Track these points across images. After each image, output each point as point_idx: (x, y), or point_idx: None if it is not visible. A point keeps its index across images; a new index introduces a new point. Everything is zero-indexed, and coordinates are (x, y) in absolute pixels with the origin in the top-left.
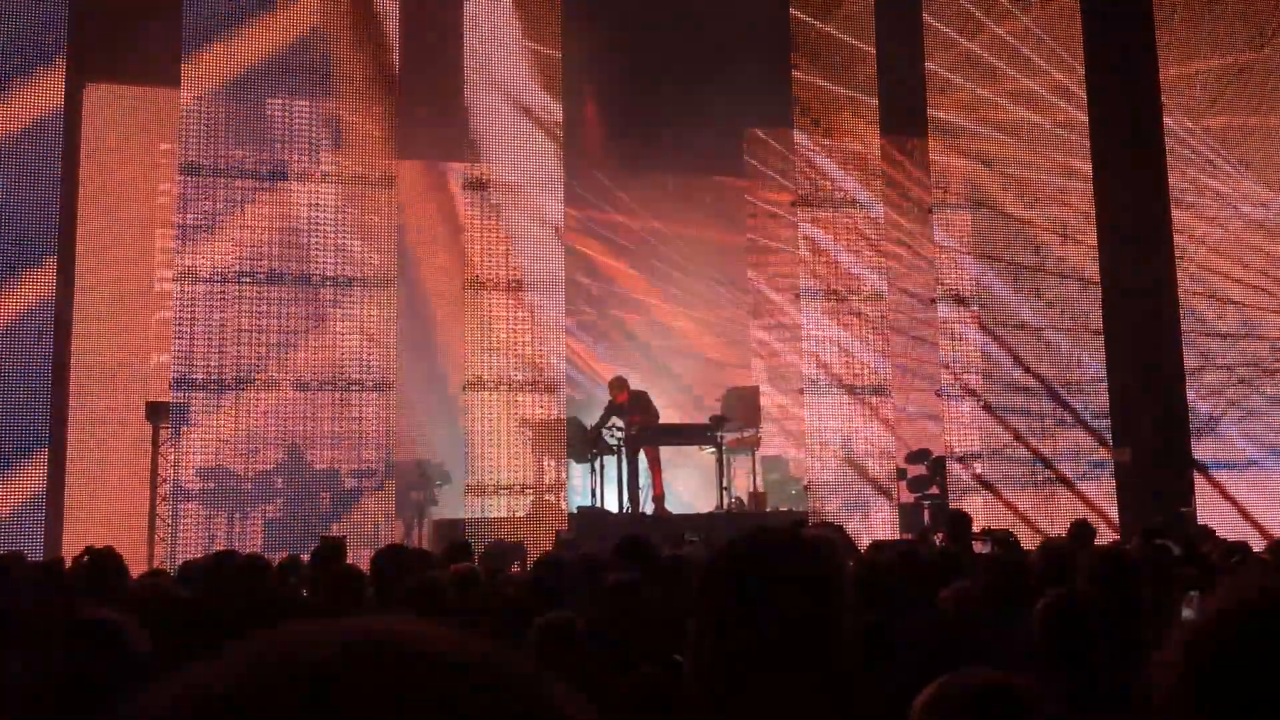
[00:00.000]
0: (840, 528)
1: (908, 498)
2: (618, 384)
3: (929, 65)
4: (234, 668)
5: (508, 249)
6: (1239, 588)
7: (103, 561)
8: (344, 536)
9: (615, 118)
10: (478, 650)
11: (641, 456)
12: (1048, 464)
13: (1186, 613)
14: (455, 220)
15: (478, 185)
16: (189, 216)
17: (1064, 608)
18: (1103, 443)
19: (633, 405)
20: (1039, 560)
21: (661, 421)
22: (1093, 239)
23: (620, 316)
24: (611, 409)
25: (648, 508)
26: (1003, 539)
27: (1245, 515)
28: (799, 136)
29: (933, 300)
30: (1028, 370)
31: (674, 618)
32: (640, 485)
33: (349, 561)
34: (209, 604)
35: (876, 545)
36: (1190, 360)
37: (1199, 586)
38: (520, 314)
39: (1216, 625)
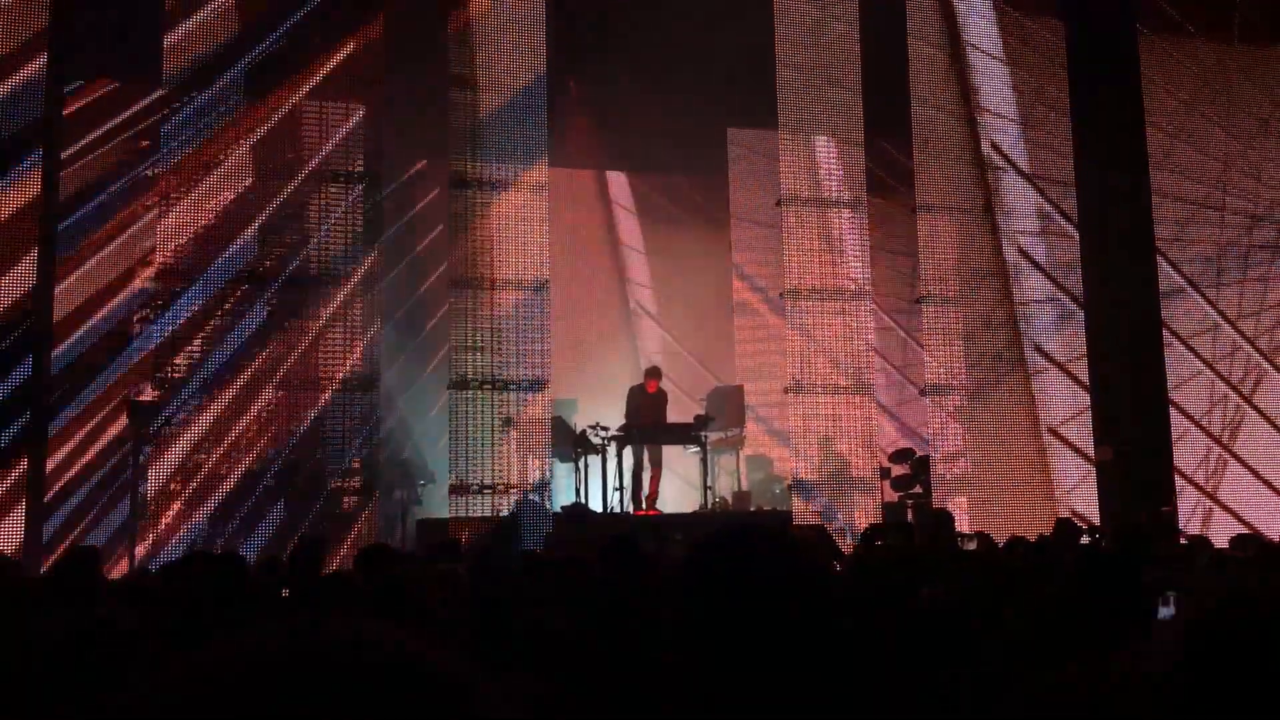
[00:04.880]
0: (822, 528)
1: (891, 497)
2: (653, 373)
3: (912, 65)
4: (182, 675)
5: (493, 247)
6: (1234, 582)
7: (77, 561)
8: (321, 537)
9: (600, 117)
10: (412, 654)
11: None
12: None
13: (1163, 611)
14: (443, 218)
15: (463, 183)
16: (169, 214)
17: (1044, 604)
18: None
19: (654, 400)
20: (1021, 559)
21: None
22: (1075, 237)
23: (607, 314)
24: (636, 395)
25: (629, 506)
26: (985, 539)
27: (1229, 510)
28: (782, 135)
29: (916, 301)
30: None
31: (658, 616)
32: (623, 485)
33: (332, 561)
34: (184, 604)
35: (873, 529)
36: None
37: (1178, 586)
38: (506, 312)
39: (1215, 617)
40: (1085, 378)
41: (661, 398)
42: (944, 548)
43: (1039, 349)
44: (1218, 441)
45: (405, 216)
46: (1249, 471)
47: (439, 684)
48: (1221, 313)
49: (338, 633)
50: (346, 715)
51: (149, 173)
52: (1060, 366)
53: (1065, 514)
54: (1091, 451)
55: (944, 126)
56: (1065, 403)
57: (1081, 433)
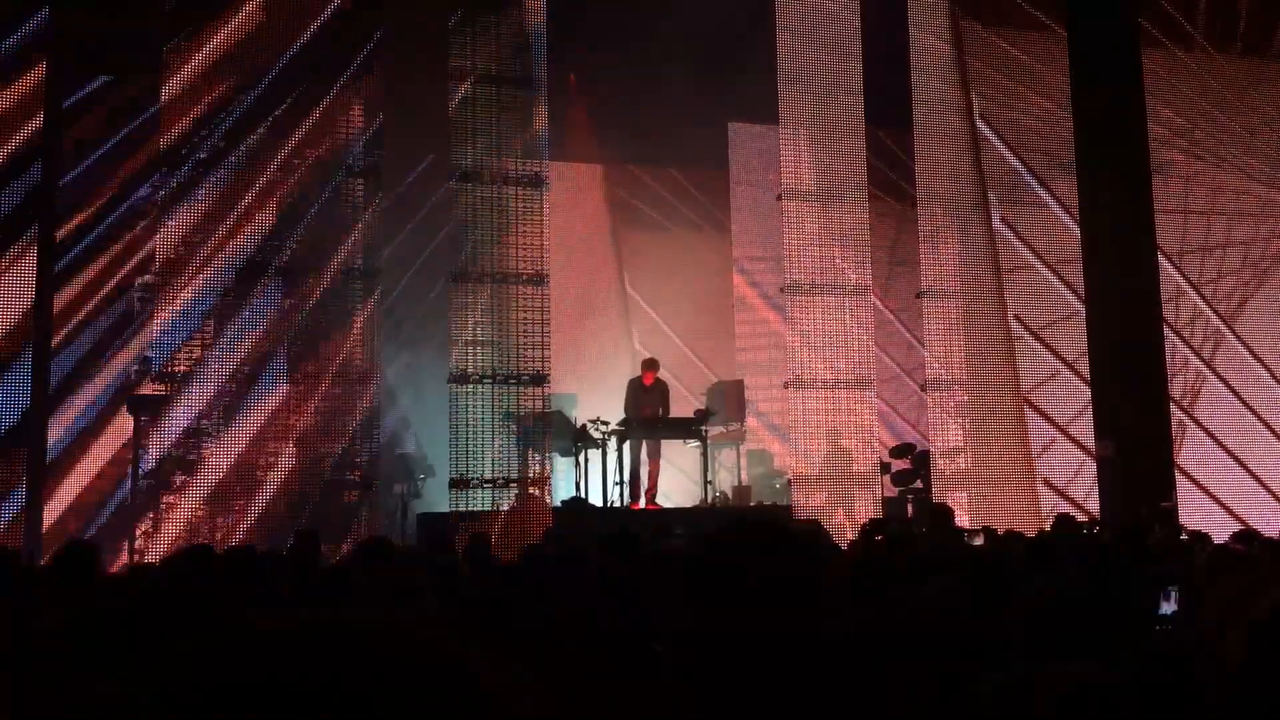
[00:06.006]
0: (816, 523)
1: (891, 491)
2: (650, 364)
3: (914, 56)
4: (186, 659)
5: (493, 241)
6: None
7: (74, 553)
8: (317, 529)
9: (600, 111)
10: (430, 644)
11: (632, 448)
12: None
13: (1165, 607)
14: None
15: (465, 177)
16: (170, 205)
17: (1047, 600)
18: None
19: (653, 392)
20: (1022, 553)
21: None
22: (1075, 232)
23: (606, 308)
24: (633, 389)
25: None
26: (991, 534)
27: (1226, 508)
28: (782, 129)
29: (917, 295)
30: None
31: (657, 610)
32: (623, 479)
33: (330, 554)
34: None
35: (873, 523)
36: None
37: (1178, 581)
38: (509, 305)
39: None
40: (1083, 370)
41: (660, 389)
42: (949, 544)
43: (1031, 332)
44: (1180, 407)
45: (421, 212)
46: (1210, 438)
47: (474, 682)
48: (1187, 278)
49: (362, 621)
50: (373, 709)
51: (150, 185)
52: (1059, 357)
53: (1040, 481)
54: (1058, 415)
55: (945, 118)
56: (1066, 398)
57: (1058, 403)
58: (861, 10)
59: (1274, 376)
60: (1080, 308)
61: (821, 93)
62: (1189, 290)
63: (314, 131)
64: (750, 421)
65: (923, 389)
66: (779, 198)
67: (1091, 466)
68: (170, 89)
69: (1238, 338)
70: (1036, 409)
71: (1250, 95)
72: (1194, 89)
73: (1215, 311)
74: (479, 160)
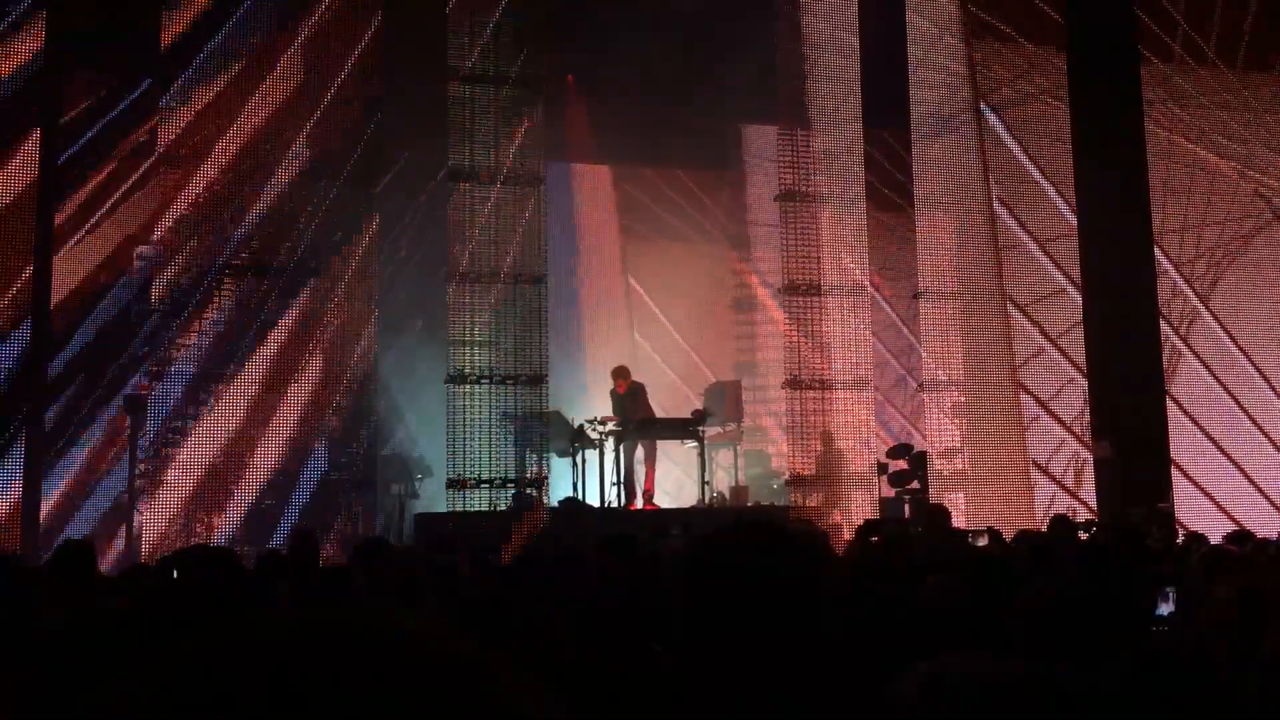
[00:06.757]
0: (809, 522)
1: (888, 492)
2: (619, 373)
3: (912, 59)
4: (189, 656)
5: (491, 241)
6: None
7: (72, 553)
8: (314, 528)
9: (601, 111)
10: (438, 642)
11: (626, 451)
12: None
13: (1163, 608)
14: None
15: (461, 176)
16: (168, 206)
17: (1046, 600)
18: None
19: (630, 397)
20: (1021, 553)
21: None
22: (1074, 233)
23: (606, 309)
24: (614, 399)
25: (631, 502)
26: (995, 535)
27: (1220, 508)
28: (783, 130)
29: (915, 295)
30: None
31: (655, 610)
32: (620, 480)
33: (328, 554)
34: (180, 598)
35: (869, 524)
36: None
37: (1175, 582)
38: (505, 306)
39: None
40: (1066, 347)
41: (636, 392)
42: (947, 545)
43: (1019, 308)
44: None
45: (420, 212)
46: (1186, 416)
47: (477, 682)
48: (1169, 257)
49: (363, 621)
50: (369, 708)
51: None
52: (1045, 335)
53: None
54: (1041, 392)
55: (945, 113)
56: (1050, 376)
57: (1041, 381)
58: (861, 6)
59: (1244, 354)
60: (1066, 285)
61: (822, 91)
62: (1169, 269)
63: (313, 132)
64: (766, 421)
65: (920, 389)
66: (776, 198)
67: (1073, 444)
68: (170, 94)
69: (1213, 316)
70: (1023, 387)
71: (1235, 89)
72: (1178, 73)
73: (1193, 289)
74: (477, 160)
